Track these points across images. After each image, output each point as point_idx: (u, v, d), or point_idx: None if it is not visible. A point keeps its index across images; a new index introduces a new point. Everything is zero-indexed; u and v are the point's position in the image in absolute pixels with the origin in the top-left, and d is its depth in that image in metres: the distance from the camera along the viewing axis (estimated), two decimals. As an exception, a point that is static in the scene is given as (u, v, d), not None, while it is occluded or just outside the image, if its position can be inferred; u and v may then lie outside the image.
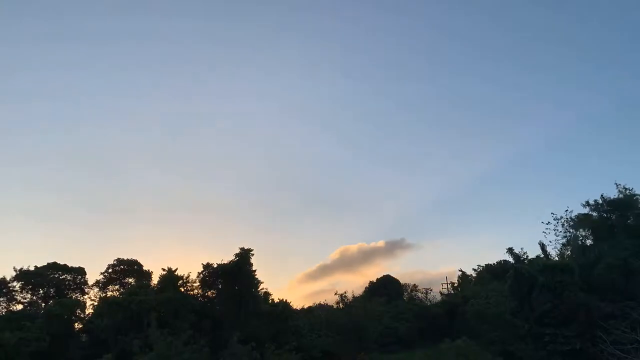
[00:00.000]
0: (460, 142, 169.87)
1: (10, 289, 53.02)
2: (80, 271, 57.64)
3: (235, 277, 49.35)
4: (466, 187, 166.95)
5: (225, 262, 50.73)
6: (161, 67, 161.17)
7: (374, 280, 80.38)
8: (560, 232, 57.97)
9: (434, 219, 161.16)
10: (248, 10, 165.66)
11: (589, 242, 55.27)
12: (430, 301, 70.63)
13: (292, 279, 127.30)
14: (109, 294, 56.28)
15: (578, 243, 55.58)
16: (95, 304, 53.76)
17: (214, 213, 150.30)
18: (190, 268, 60.94)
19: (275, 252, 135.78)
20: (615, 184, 55.74)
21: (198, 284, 52.02)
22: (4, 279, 53.06)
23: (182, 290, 51.48)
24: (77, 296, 55.25)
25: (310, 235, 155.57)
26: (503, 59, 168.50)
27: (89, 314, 51.39)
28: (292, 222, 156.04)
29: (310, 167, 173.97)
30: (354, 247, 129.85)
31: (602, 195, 55.31)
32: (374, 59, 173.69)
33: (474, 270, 71.01)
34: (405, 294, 78.67)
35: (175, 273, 52.81)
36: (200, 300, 50.84)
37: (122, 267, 59.33)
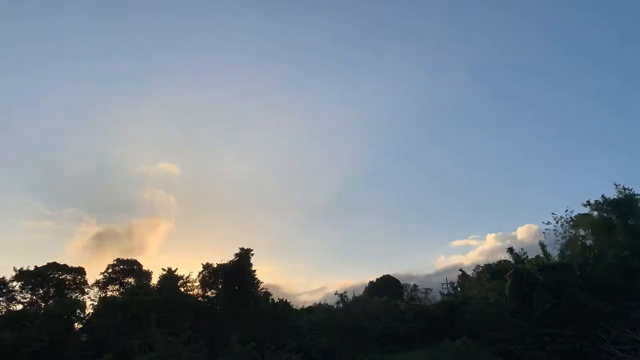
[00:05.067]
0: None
1: (10, 289, 52.94)
2: (80, 271, 57.58)
3: (235, 277, 49.40)
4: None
5: (225, 262, 50.84)
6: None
7: (374, 280, 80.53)
8: (561, 232, 57.83)
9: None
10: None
11: (589, 242, 55.12)
12: (430, 301, 70.58)
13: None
14: (109, 294, 56.25)
15: (578, 243, 55.44)
16: (95, 304, 53.77)
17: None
18: (190, 268, 60.88)
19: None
20: (615, 184, 55.64)
21: (198, 284, 52.09)
22: (4, 279, 52.99)
23: (182, 290, 51.54)
24: (77, 296, 55.16)
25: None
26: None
27: (89, 314, 51.38)
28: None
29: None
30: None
31: (602, 196, 55.27)
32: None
33: (474, 270, 70.99)
34: (405, 294, 78.73)
35: (175, 273, 52.91)
36: (200, 300, 50.87)
37: (122, 267, 59.31)
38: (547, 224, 58.68)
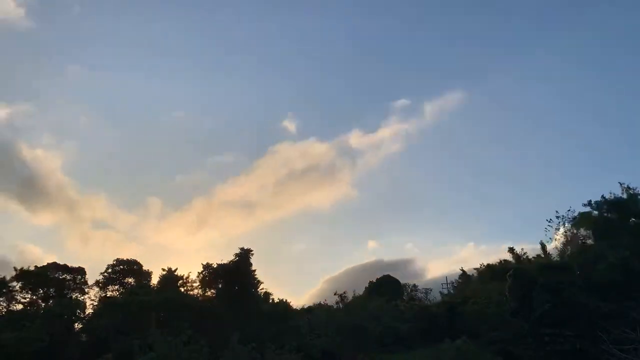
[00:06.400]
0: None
1: (10, 289, 52.97)
2: (80, 271, 57.65)
3: (235, 277, 49.48)
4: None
5: (225, 262, 50.90)
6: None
7: (374, 280, 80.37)
8: (561, 231, 57.88)
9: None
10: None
11: (589, 241, 55.12)
12: (430, 301, 70.54)
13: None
14: (109, 294, 56.28)
15: (578, 243, 55.45)
16: (95, 304, 53.83)
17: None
18: (190, 268, 60.91)
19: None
20: (619, 183, 55.58)
21: (198, 283, 52.16)
22: (4, 279, 53.00)
23: (182, 290, 51.61)
24: (77, 296, 55.23)
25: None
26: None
27: (89, 314, 51.43)
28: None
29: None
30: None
31: (602, 196, 55.27)
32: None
33: (475, 270, 70.98)
34: (405, 293, 78.64)
35: (175, 273, 52.99)
36: (200, 300, 50.90)
37: (122, 267, 59.33)
38: (549, 221, 58.80)
